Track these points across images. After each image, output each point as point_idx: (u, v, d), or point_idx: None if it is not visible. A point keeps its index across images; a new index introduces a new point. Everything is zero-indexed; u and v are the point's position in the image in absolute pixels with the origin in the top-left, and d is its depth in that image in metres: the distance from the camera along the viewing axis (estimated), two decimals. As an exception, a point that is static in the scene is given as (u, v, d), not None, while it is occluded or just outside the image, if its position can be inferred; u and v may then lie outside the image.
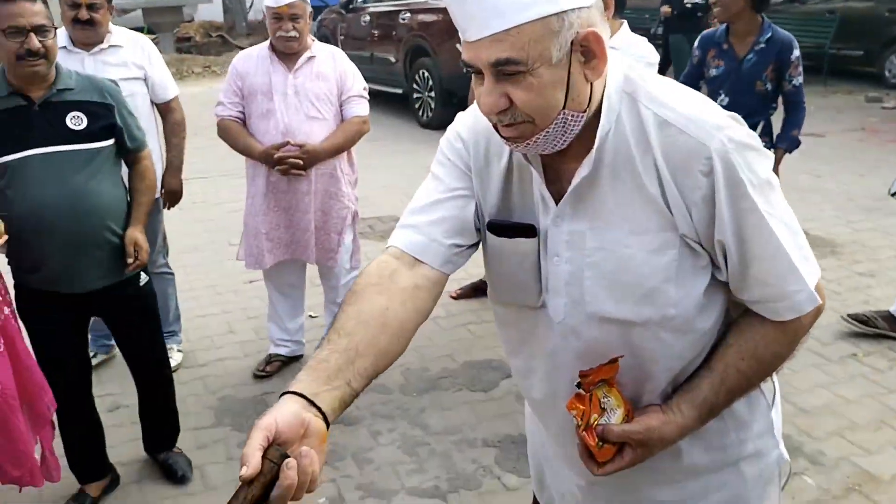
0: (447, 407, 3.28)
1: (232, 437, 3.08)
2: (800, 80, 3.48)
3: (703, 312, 1.19)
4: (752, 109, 3.38)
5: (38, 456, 2.39)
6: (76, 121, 2.40)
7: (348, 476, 2.82)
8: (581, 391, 1.20)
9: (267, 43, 3.31)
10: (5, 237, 2.23)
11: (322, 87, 3.26)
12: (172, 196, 3.57)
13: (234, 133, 3.31)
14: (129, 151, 2.61)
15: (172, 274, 3.73)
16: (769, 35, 3.44)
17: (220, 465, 2.90)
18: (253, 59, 3.30)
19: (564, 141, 1.12)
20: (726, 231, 1.11)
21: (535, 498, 1.64)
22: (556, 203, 1.19)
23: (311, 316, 3.97)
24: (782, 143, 3.53)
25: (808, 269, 1.16)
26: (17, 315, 2.40)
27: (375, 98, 4.28)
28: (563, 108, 1.08)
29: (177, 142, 3.51)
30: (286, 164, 3.18)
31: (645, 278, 1.14)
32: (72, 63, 2.88)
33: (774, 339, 1.19)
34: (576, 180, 1.15)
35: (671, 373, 1.22)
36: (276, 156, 3.17)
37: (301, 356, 3.68)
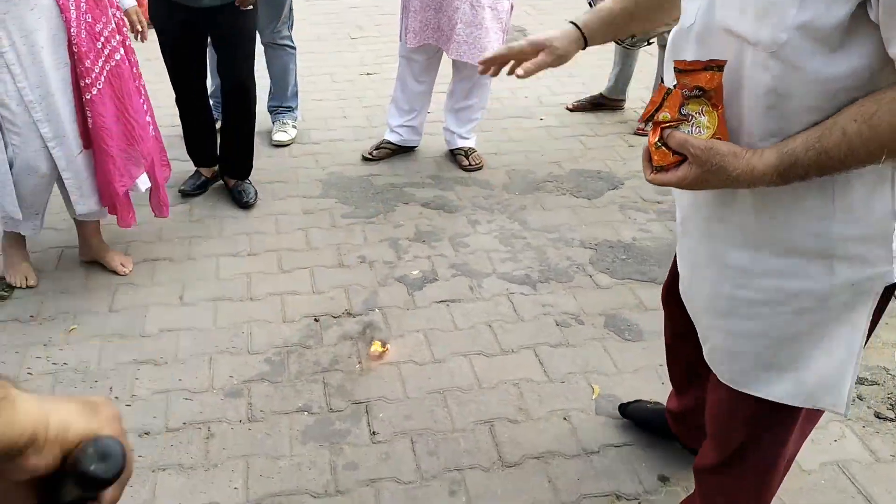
0: (548, 208, 3.25)
1: (336, 208, 3.18)
2: None
3: (824, 53, 1.01)
4: None
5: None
6: None
7: (443, 255, 2.88)
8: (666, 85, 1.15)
9: None
10: None
11: None
12: None
13: None
14: None
15: (295, 48, 3.73)
16: None
17: (324, 230, 3.02)
18: None
19: None
20: None
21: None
22: None
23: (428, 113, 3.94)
24: None
25: None
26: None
27: None
28: None
29: None
30: None
31: None
32: None
33: None
34: None
35: (769, 120, 1.09)
36: None
37: (414, 147, 3.69)
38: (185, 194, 3.23)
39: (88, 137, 2.37)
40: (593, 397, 2.22)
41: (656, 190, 3.36)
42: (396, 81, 3.59)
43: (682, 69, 1.09)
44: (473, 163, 3.54)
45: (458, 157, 3.58)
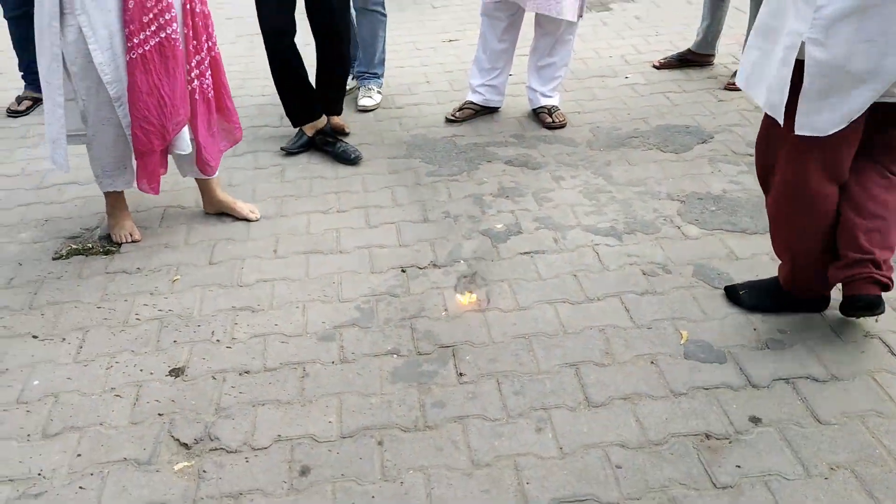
0: (634, 163, 3.20)
1: (421, 167, 3.23)
2: None
3: None
4: None
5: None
6: None
7: (526, 209, 2.89)
8: None
9: None
10: None
11: None
12: None
13: None
14: None
15: (385, 15, 3.80)
16: None
17: (409, 188, 3.08)
18: None
19: None
20: None
21: None
22: None
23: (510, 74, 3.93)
24: None
25: None
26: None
27: None
28: None
29: None
30: None
31: None
32: None
33: None
34: None
35: None
36: None
37: (497, 109, 3.69)
38: (289, 152, 3.35)
39: None
40: (681, 342, 2.19)
41: (747, 142, 3.27)
42: (479, 40, 3.59)
43: None
44: (557, 120, 3.52)
45: (541, 116, 3.57)
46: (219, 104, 2.71)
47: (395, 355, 2.19)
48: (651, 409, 1.96)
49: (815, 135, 1.89)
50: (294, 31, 3.19)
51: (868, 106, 1.83)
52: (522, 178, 3.11)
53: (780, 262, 2.27)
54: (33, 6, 2.38)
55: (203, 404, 2.04)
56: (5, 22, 3.77)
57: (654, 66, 4.18)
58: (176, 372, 2.15)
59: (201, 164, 2.74)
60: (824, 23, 1.77)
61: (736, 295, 2.34)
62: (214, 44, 2.64)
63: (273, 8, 3.10)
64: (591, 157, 3.27)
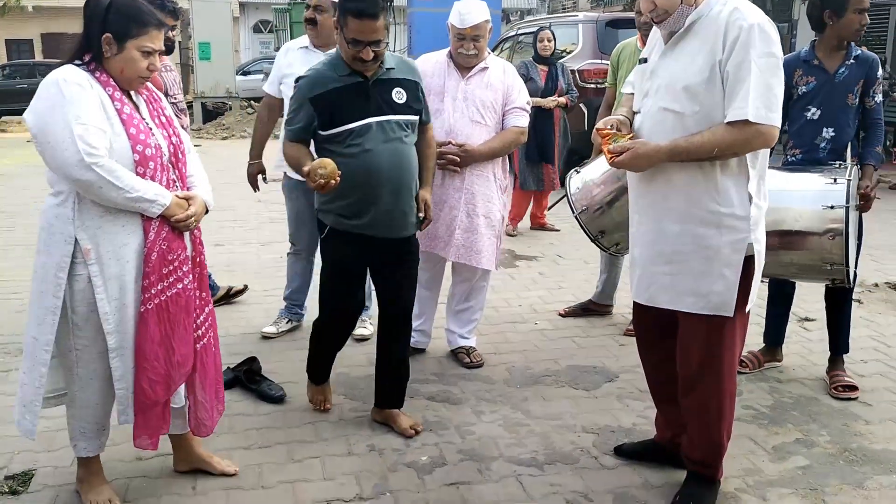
0: (549, 398, 3.38)
1: (344, 403, 3.30)
2: (880, 97, 3.44)
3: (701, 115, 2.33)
4: (843, 123, 3.36)
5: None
6: (399, 95, 2.90)
7: (450, 443, 2.96)
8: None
9: (447, 50, 3.64)
10: (335, 180, 2.65)
11: (489, 95, 3.56)
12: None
13: None
14: (423, 123, 3.08)
15: None
16: (857, 53, 3.42)
17: (333, 423, 3.12)
18: (432, 62, 3.63)
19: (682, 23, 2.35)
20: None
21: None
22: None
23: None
24: (871, 160, 3.40)
25: (758, 105, 2.21)
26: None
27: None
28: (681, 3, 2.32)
29: None
30: (444, 160, 3.47)
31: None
32: (311, 60, 3.48)
33: (723, 130, 2.27)
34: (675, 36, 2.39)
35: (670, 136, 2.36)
36: (437, 150, 3.42)
37: (423, 350, 3.88)
38: None
39: None
40: (608, 568, 2.21)
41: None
42: None
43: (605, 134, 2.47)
44: (475, 360, 3.72)
45: (459, 356, 3.77)
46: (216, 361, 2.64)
47: (320, 591, 2.11)
48: None
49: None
50: (363, 297, 3.25)
51: None
52: (445, 413, 3.22)
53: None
54: None
55: None
56: None
57: (560, 314, 4.54)
58: None
59: (195, 422, 2.60)
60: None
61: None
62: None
63: (343, 292, 3.05)
64: (509, 393, 3.44)
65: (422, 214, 3.05)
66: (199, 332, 2.49)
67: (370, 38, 2.72)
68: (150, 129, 2.37)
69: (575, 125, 7.47)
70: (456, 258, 3.60)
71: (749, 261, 2.38)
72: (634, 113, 2.56)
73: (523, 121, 3.64)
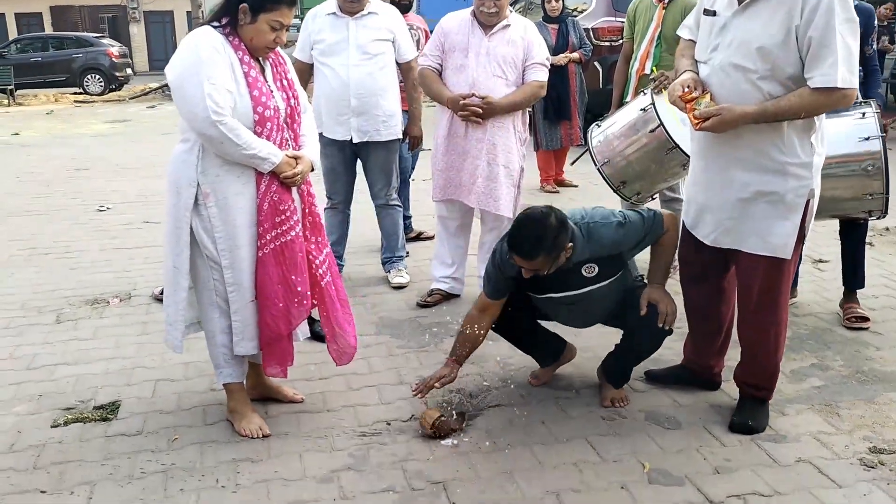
0: (579, 333, 3.63)
1: (391, 342, 3.57)
2: (875, 46, 3.79)
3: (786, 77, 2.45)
4: None
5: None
6: None
7: (492, 372, 3.22)
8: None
9: (471, 9, 3.86)
10: None
11: (510, 52, 3.78)
12: (416, 141, 4.41)
13: (430, 80, 3.91)
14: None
15: (402, 207, 4.47)
16: (855, 4, 3.63)
17: (382, 358, 3.40)
18: (457, 19, 3.88)
19: None
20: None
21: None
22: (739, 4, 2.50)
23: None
24: (878, 99, 3.60)
25: (844, 71, 2.33)
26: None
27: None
28: None
29: (416, 95, 4.34)
30: (468, 111, 3.71)
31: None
32: (339, 26, 3.88)
33: (810, 95, 2.39)
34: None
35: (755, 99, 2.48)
36: (461, 102, 3.71)
37: (459, 295, 4.14)
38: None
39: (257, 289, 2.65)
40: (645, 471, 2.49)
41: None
42: (436, 239, 4.16)
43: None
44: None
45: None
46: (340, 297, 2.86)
47: (391, 492, 2.39)
48: (627, 523, 2.21)
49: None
50: None
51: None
52: (483, 349, 3.47)
53: None
54: None
55: (217, 539, 2.17)
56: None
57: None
58: (186, 515, 2.29)
59: (336, 352, 2.86)
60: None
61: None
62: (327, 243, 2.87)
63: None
64: (542, 331, 3.69)
65: None
66: (319, 271, 2.74)
67: None
68: (272, 91, 2.61)
69: (591, 83, 7.62)
70: (477, 205, 3.85)
71: (807, 205, 2.57)
72: (696, 62, 2.67)
73: (543, 76, 3.85)
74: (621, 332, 2.99)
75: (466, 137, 3.81)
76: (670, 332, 2.87)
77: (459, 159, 3.85)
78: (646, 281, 2.95)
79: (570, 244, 2.62)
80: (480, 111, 3.71)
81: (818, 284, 4.26)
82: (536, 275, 2.68)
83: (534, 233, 2.55)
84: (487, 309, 2.90)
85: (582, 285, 2.81)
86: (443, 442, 2.67)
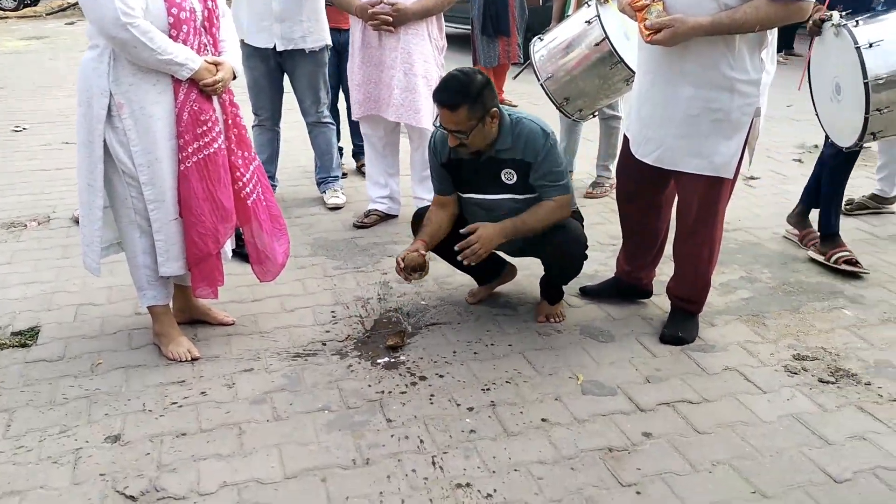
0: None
1: (327, 263, 3.50)
2: None
3: None
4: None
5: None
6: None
7: (430, 291, 3.19)
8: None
9: None
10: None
11: None
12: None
13: None
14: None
15: (335, 124, 4.32)
16: None
17: (318, 279, 3.33)
18: None
19: None
20: None
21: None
22: None
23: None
24: None
25: None
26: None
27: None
28: None
29: None
30: (378, 20, 3.54)
31: None
32: None
33: (767, 6, 2.31)
34: None
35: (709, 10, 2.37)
36: (369, 11, 3.52)
37: (396, 216, 4.06)
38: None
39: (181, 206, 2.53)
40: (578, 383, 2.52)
41: (611, 235, 3.78)
42: (365, 159, 4.06)
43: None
44: (445, 221, 3.92)
45: (430, 218, 3.96)
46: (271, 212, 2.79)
47: (326, 411, 2.37)
48: (561, 434, 2.24)
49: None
50: None
51: None
52: (421, 268, 3.44)
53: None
54: None
55: (144, 463, 2.11)
56: None
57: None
58: (112, 439, 2.22)
59: (260, 270, 2.79)
60: None
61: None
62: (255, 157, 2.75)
63: None
64: (479, 249, 3.66)
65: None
66: (247, 189, 2.62)
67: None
68: None
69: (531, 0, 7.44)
70: (396, 118, 3.70)
71: (751, 125, 2.53)
72: None
73: None
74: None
75: (381, 47, 3.65)
76: (586, 257, 2.90)
77: (376, 71, 3.68)
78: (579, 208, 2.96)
79: (496, 110, 2.65)
80: (391, 19, 3.55)
81: (749, 200, 4.33)
82: (462, 160, 2.77)
83: (458, 81, 2.61)
84: (444, 205, 2.93)
85: (498, 191, 2.81)
86: (379, 360, 2.65)
